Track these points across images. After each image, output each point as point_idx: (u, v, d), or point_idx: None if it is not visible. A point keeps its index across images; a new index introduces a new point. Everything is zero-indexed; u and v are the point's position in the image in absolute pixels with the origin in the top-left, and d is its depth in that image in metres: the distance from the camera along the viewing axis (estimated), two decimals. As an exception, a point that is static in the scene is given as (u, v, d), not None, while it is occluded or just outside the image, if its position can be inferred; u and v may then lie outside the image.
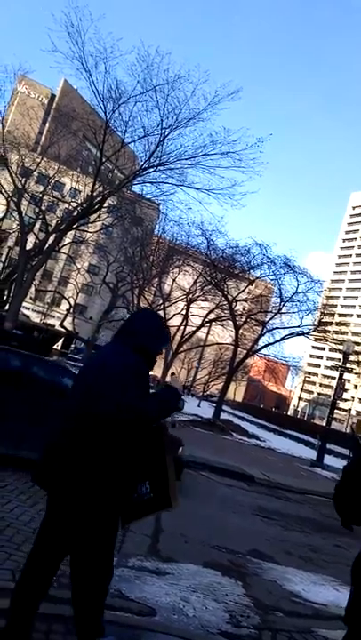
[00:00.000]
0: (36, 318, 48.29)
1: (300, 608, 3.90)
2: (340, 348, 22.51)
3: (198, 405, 32.63)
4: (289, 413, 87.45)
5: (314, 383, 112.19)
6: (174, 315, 34.49)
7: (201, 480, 8.28)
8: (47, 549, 2.38)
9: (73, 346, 41.09)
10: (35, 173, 30.08)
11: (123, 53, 19.05)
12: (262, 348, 24.25)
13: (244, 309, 27.16)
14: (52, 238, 22.54)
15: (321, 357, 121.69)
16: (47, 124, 57.45)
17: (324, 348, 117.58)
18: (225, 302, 27.67)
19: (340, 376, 19.12)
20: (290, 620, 3.62)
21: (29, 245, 23.94)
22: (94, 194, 20.59)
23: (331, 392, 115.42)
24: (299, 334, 22.86)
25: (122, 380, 2.14)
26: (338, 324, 28.17)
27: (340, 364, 19.49)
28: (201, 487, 7.63)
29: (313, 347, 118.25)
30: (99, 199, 20.63)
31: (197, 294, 30.82)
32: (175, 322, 34.47)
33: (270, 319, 23.51)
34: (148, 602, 3.25)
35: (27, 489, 4.81)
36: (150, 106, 19.01)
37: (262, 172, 21.82)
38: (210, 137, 19.47)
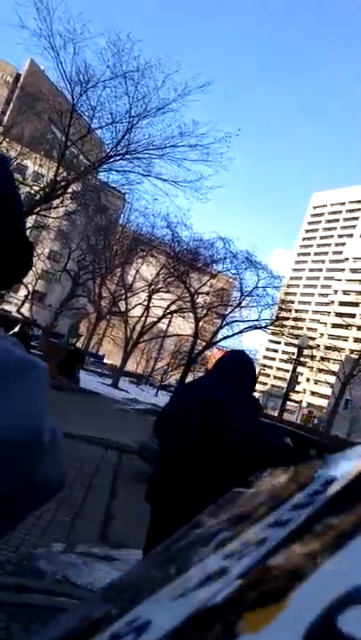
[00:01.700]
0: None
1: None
2: (296, 342, 23.12)
3: (156, 395, 32.82)
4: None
5: (268, 375, 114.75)
6: (136, 305, 34.39)
7: (155, 469, 8.37)
8: None
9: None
10: (-5, 153, 29.00)
11: (93, 36, 18.69)
12: (221, 340, 24.71)
13: (205, 302, 27.45)
14: (11, 222, 21.96)
15: (276, 351, 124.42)
16: (11, 105, 55.63)
17: (279, 342, 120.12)
18: (187, 294, 27.86)
19: (294, 369, 19.71)
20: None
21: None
22: (58, 178, 20.18)
23: (284, 384, 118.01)
24: (257, 328, 23.41)
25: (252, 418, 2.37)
26: (294, 319, 28.96)
27: (294, 357, 20.02)
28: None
29: (269, 340, 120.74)
30: (62, 184, 20.25)
31: (160, 286, 30.84)
32: (137, 312, 34.40)
33: (230, 312, 23.96)
34: (94, 588, 3.29)
35: None
36: (119, 92, 18.80)
37: (229, 167, 22.04)
38: (179, 128, 19.48)
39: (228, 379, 2.41)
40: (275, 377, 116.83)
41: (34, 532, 3.89)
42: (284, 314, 24.43)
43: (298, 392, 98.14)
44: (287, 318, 25.57)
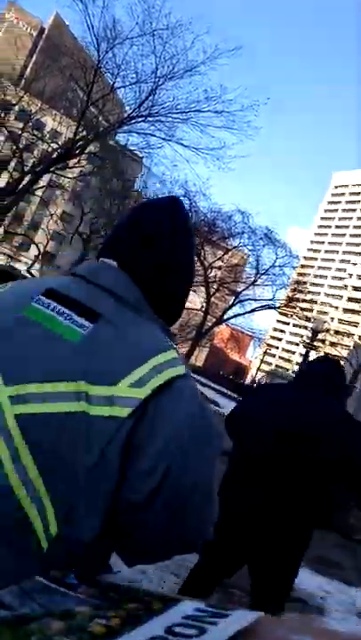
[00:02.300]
0: (1, 261, 46.74)
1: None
2: (307, 324, 22.76)
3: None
4: (246, 382, 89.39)
5: (274, 355, 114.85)
6: (146, 274, 34.02)
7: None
8: (212, 570, 2.40)
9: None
10: (15, 109, 28.30)
11: (123, -11, 17.78)
12: (232, 317, 24.34)
13: (216, 277, 27.01)
14: (27, 178, 21.42)
15: (284, 332, 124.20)
16: (34, 57, 54.06)
17: (288, 323, 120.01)
18: (199, 268, 27.40)
19: (307, 353, 19.41)
20: (246, 599, 3.55)
21: (2, 184, 22.75)
22: (77, 137, 19.54)
23: (289, 365, 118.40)
24: (270, 307, 22.98)
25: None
26: (307, 301, 28.45)
27: (307, 340, 19.71)
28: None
29: (278, 320, 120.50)
30: (81, 143, 19.61)
31: (172, 256, 30.35)
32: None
33: (244, 290, 23.51)
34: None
35: None
36: (146, 51, 18.02)
37: (254, 137, 21.26)
38: (205, 93, 18.72)
39: (333, 391, 2.28)
40: (280, 357, 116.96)
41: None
42: (297, 295, 23.96)
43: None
44: (300, 300, 25.08)
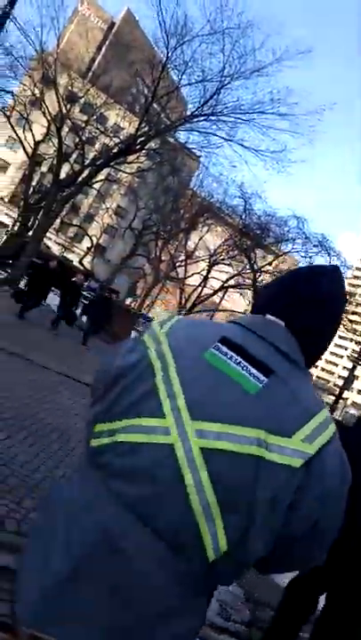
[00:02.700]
0: (56, 251, 47.99)
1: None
2: (356, 337, 21.99)
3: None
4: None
5: (316, 366, 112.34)
6: (193, 274, 33.98)
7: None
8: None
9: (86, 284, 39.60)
10: (81, 101, 28.82)
11: (197, -14, 17.68)
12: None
13: (263, 282, 26.57)
14: (87, 171, 21.83)
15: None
16: (102, 51, 55.06)
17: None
18: (248, 271, 27.03)
19: (354, 367, 18.75)
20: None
21: (63, 175, 23.27)
22: (138, 133, 19.70)
23: (330, 377, 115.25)
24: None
25: None
26: (358, 313, 27.39)
27: (354, 354, 19.04)
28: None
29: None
30: (142, 139, 19.75)
31: (222, 257, 30.12)
32: (193, 281, 33.99)
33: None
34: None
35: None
36: (215, 50, 17.91)
37: (316, 142, 20.73)
38: (270, 94, 18.43)
39: None
40: (322, 369, 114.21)
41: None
42: (349, 307, 23.05)
43: (345, 388, 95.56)
44: (349, 312, 24.09)
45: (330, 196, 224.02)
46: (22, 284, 12.04)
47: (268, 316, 1.04)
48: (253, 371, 0.93)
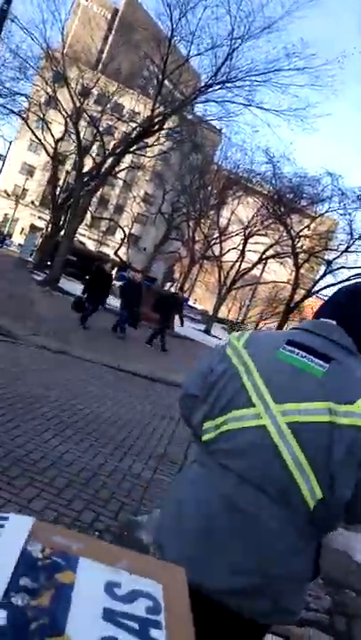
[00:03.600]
0: (91, 246, 48.41)
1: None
2: None
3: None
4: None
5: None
6: (229, 250, 33.33)
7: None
8: None
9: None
10: (94, 93, 28.58)
11: None
12: (324, 288, 22.88)
13: (304, 247, 25.60)
14: (109, 161, 21.64)
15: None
16: (109, 40, 54.43)
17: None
18: (285, 238, 26.17)
19: None
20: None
21: (86, 169, 23.22)
22: (154, 113, 19.26)
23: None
24: (366, 275, 21.27)
25: None
26: None
27: None
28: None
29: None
30: (159, 119, 19.31)
31: (257, 228, 29.33)
32: (231, 257, 33.36)
33: (336, 258, 21.90)
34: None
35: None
36: (221, 13, 17.13)
37: (340, 92, 19.60)
38: (285, 50, 17.50)
39: None
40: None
41: (133, 494, 3.51)
42: None
43: None
44: None
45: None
46: (80, 292, 11.73)
47: (322, 319, 1.32)
48: (316, 360, 1.21)
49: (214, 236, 34.06)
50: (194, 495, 1.26)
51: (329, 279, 22.35)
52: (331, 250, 23.11)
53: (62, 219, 27.19)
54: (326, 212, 22.31)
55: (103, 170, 21.24)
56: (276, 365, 1.24)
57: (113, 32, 60.27)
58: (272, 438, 1.17)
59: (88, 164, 26.41)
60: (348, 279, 21.65)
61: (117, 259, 38.12)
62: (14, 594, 0.48)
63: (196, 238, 33.53)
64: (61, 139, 29.46)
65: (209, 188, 30.91)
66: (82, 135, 25.32)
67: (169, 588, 0.59)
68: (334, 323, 1.28)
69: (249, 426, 1.21)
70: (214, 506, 1.20)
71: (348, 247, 21.11)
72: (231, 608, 1.17)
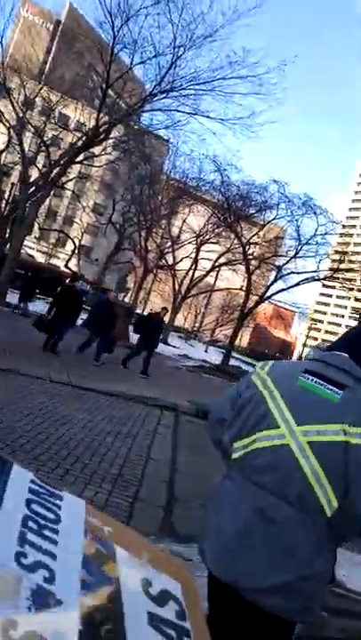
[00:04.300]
0: (40, 258, 47.23)
1: (344, 603, 3.24)
2: (355, 295, 21.43)
3: (206, 351, 32.24)
4: (293, 359, 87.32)
5: (319, 330, 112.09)
6: (183, 258, 33.34)
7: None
8: None
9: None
10: (38, 103, 27.97)
11: None
12: (275, 294, 23.18)
13: (253, 254, 25.90)
14: (55, 171, 21.14)
15: (328, 304, 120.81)
16: (52, 51, 53.85)
17: (331, 295, 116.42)
18: (237, 245, 26.42)
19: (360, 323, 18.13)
20: (336, 622, 2.96)
21: (32, 180, 22.60)
22: (99, 123, 18.99)
23: (335, 338, 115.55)
24: (315, 280, 21.75)
25: None
26: (351, 270, 26.56)
27: (356, 314, 18.42)
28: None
29: (321, 293, 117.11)
30: (104, 128, 19.06)
31: (208, 236, 29.50)
32: (184, 266, 33.37)
33: (286, 264, 22.26)
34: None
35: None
36: (163, 22, 17.10)
37: (283, 100, 20.03)
38: (228, 58, 17.64)
39: None
40: (326, 331, 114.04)
41: (86, 523, 3.21)
42: (343, 265, 22.31)
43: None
44: (343, 270, 23.26)
45: (316, 158, 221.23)
46: (45, 311, 10.38)
47: (335, 352, 1.52)
48: (331, 387, 1.39)
49: (167, 245, 34.01)
50: (229, 507, 1.46)
51: (280, 284, 22.71)
52: (280, 256, 23.52)
53: (8, 231, 26.33)
54: (274, 218, 22.69)
55: (50, 178, 20.72)
56: (297, 391, 1.45)
57: (55, 43, 59.74)
58: (294, 455, 1.37)
59: (34, 175, 25.74)
60: (297, 284, 22.14)
61: (68, 270, 37.33)
62: (85, 592, 0.52)
63: (149, 248, 33.32)
64: (4, 150, 28.61)
65: (159, 198, 30.84)
66: (27, 146, 24.70)
67: (185, 588, 0.67)
68: (346, 355, 1.48)
69: (274, 445, 1.41)
70: (247, 515, 1.40)
71: (296, 252, 21.52)
72: (263, 606, 1.35)
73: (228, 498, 1.48)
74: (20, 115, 22.46)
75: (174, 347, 25.82)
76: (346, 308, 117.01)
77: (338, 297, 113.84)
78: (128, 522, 3.42)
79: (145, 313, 18.92)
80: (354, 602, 3.23)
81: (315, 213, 20.18)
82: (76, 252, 38.43)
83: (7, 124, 24.65)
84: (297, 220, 21.19)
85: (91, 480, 3.94)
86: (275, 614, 1.35)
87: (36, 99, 25.90)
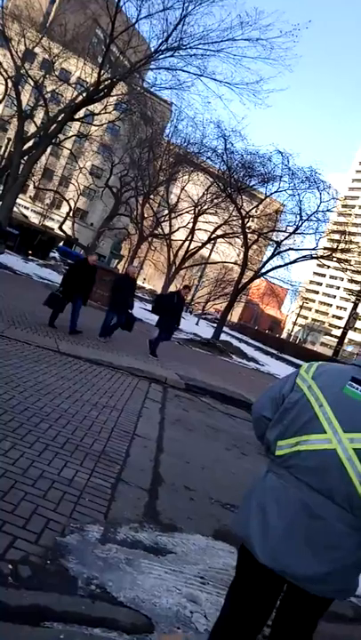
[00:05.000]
0: (34, 219, 46.12)
1: (350, 612, 3.02)
2: (355, 276, 21.13)
3: (197, 324, 31.96)
4: (282, 337, 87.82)
5: (310, 309, 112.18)
6: (179, 228, 32.68)
7: (203, 408, 7.44)
8: None
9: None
10: (39, 56, 26.68)
11: None
12: (271, 270, 22.73)
13: (252, 228, 25.30)
14: (53, 127, 20.25)
15: (320, 284, 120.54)
16: (56, 3, 51.32)
17: (324, 275, 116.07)
18: (235, 218, 25.82)
19: (355, 305, 17.99)
20: (340, 628, 2.74)
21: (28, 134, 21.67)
22: (101, 78, 18.08)
23: (325, 318, 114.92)
24: (312, 257, 21.34)
25: None
26: (347, 250, 25.86)
27: (353, 294, 18.25)
28: (204, 418, 6.77)
29: (314, 272, 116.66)
30: (106, 84, 18.17)
31: (207, 206, 28.82)
32: (180, 236, 32.75)
33: (285, 239, 21.73)
34: (143, 606, 2.31)
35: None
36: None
37: (294, 68, 19.21)
38: (239, 18, 16.84)
39: None
40: (316, 311, 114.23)
41: (63, 506, 2.93)
42: (342, 244, 21.85)
43: (337, 327, 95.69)
44: (346, 250, 22.69)
45: (318, 135, 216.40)
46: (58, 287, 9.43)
47: None
48: None
49: (164, 214, 33.25)
50: (276, 502, 1.60)
51: (277, 261, 22.28)
52: (279, 231, 22.99)
53: (2, 188, 25.46)
54: (277, 191, 22.05)
55: (49, 131, 19.84)
56: (344, 399, 1.57)
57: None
58: (341, 460, 1.52)
59: (31, 130, 24.72)
60: (295, 261, 21.73)
61: (62, 233, 36.48)
62: None
63: (145, 215, 32.57)
64: (1, 101, 27.36)
65: (159, 163, 29.93)
66: (26, 100, 23.63)
67: None
68: None
69: (322, 449, 1.55)
70: (295, 511, 1.56)
71: (297, 228, 20.97)
72: (310, 590, 1.57)
73: (273, 492, 1.63)
74: (19, 63, 21.39)
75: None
76: (338, 288, 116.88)
77: (331, 277, 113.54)
78: (109, 506, 3.16)
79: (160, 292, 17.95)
80: (345, 606, 3.03)
81: (318, 189, 19.63)
82: (71, 214, 37.50)
83: (5, 75, 23.50)
84: (299, 195, 20.61)
85: (72, 457, 3.66)
86: (319, 595, 1.61)
87: (37, 51, 24.66)
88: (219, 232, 28.89)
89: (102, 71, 18.19)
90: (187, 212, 31.36)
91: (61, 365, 6.47)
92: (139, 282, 37.21)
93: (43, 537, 2.57)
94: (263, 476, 1.71)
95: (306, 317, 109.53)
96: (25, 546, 2.45)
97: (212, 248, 32.90)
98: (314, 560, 1.52)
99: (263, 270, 23.99)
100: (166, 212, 32.40)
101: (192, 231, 29.94)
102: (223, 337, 23.92)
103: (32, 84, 24.03)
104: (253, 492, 1.71)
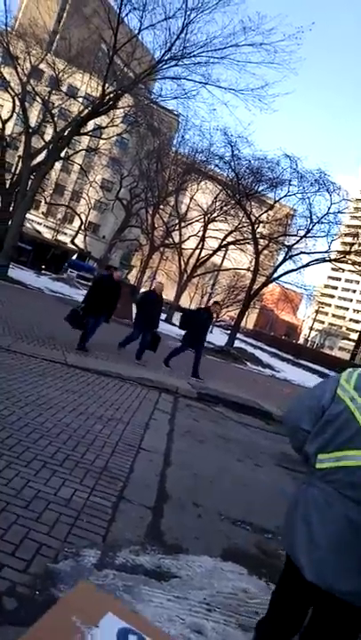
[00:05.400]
0: (47, 234, 46.55)
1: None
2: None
3: (211, 331, 31.61)
4: (299, 342, 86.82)
5: (326, 313, 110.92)
6: (190, 237, 32.58)
7: (215, 417, 7.20)
8: None
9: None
10: (45, 75, 26.99)
11: None
12: (283, 274, 22.41)
13: (262, 233, 25.06)
14: (59, 143, 20.36)
15: (336, 288, 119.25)
16: (62, 22, 52.24)
17: (340, 279, 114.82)
18: (245, 224, 25.61)
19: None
20: None
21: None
22: (106, 91, 18.14)
23: (342, 322, 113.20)
24: (325, 260, 20.98)
25: None
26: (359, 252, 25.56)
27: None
28: (216, 428, 6.54)
29: (329, 276, 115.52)
30: (111, 96, 18.23)
31: (216, 214, 28.67)
32: (191, 244, 32.64)
33: (296, 243, 21.41)
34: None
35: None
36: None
37: (298, 71, 19.09)
38: (241, 24, 16.78)
39: None
40: (333, 315, 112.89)
41: (58, 529, 2.74)
42: (356, 247, 21.46)
43: (355, 330, 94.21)
44: (352, 252, 22.28)
45: (327, 137, 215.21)
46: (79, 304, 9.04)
47: None
48: None
49: (174, 223, 33.22)
50: (320, 518, 1.59)
51: (289, 265, 21.95)
52: (290, 235, 22.68)
53: (12, 204, 25.68)
54: (286, 195, 21.79)
55: (58, 144, 19.94)
56: None
57: (66, 9, 57.94)
58: None
59: (39, 146, 24.91)
60: (307, 264, 21.38)
61: (74, 247, 36.69)
62: None
63: (156, 225, 32.60)
64: (8, 119, 27.70)
65: (167, 173, 29.98)
66: (34, 117, 23.87)
67: None
68: None
69: None
70: (340, 527, 1.53)
71: (308, 231, 20.66)
72: (356, 604, 1.54)
73: (317, 507, 1.60)
74: (24, 79, 21.65)
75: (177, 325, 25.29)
76: (355, 292, 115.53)
77: (346, 280, 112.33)
78: (109, 527, 2.95)
79: (192, 308, 17.55)
80: None
81: (327, 191, 19.34)
82: (83, 227, 37.77)
83: (12, 93, 23.81)
84: (309, 198, 20.33)
85: (71, 475, 3.47)
86: None
87: (43, 67, 24.96)
88: (229, 239, 28.71)
89: (107, 84, 18.27)
90: (197, 221, 31.25)
91: (67, 378, 6.31)
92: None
93: (33, 564, 2.38)
94: (304, 489, 1.69)
95: (322, 322, 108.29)
96: (12, 575, 2.26)
97: (224, 255, 32.67)
98: (359, 576, 1.52)
99: (275, 275, 23.67)
100: (176, 221, 32.36)
101: (202, 239, 29.78)
102: (237, 344, 23.61)
103: (39, 100, 24.31)
104: (296, 508, 1.69)
